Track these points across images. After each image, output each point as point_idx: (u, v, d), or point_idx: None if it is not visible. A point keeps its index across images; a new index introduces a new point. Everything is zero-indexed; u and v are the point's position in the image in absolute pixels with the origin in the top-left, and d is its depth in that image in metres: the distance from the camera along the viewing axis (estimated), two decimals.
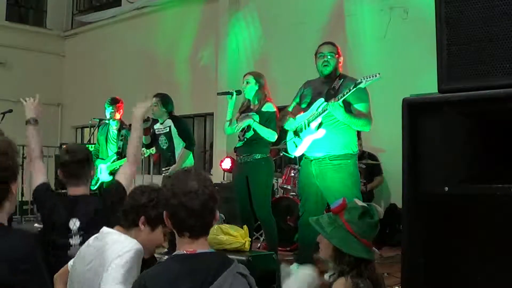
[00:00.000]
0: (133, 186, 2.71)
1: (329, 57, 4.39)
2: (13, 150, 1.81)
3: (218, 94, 5.54)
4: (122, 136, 6.01)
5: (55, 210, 2.82)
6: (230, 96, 5.06)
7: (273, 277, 3.37)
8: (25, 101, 3.18)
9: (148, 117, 5.53)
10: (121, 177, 3.01)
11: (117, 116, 6.11)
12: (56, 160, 8.40)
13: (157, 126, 5.67)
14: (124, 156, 5.03)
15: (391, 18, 7.10)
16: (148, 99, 3.40)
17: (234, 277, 1.90)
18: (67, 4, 12.72)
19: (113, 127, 6.17)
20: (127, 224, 2.32)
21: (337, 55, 4.43)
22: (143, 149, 5.49)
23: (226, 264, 1.94)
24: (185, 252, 1.95)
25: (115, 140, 6.12)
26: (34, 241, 1.79)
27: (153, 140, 5.66)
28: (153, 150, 5.68)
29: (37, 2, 12.79)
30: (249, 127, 4.86)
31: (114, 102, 6.14)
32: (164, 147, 5.61)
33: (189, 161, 5.51)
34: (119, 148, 6.01)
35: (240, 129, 4.89)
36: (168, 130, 5.55)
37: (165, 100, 5.59)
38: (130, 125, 5.08)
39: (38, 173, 2.97)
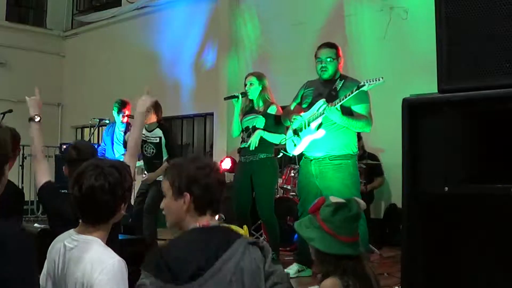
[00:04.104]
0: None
1: (327, 61, 4.38)
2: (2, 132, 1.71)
3: (225, 98, 5.40)
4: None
5: (64, 205, 2.75)
6: (236, 99, 5.04)
7: None
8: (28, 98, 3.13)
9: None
10: None
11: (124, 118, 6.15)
12: (57, 159, 8.43)
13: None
14: None
15: (391, 18, 7.08)
16: (150, 94, 3.35)
17: (247, 245, 1.97)
18: (67, 4, 12.69)
19: (120, 129, 6.17)
20: None
21: (336, 57, 4.41)
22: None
23: (239, 235, 2.05)
24: (199, 225, 2.05)
25: (122, 142, 6.12)
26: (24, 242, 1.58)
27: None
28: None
29: (37, 2, 12.77)
30: (254, 127, 4.87)
31: (123, 105, 6.17)
32: (149, 155, 5.50)
33: None
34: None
35: (255, 143, 4.77)
36: (158, 140, 5.42)
37: (157, 107, 5.34)
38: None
39: (42, 172, 2.91)
